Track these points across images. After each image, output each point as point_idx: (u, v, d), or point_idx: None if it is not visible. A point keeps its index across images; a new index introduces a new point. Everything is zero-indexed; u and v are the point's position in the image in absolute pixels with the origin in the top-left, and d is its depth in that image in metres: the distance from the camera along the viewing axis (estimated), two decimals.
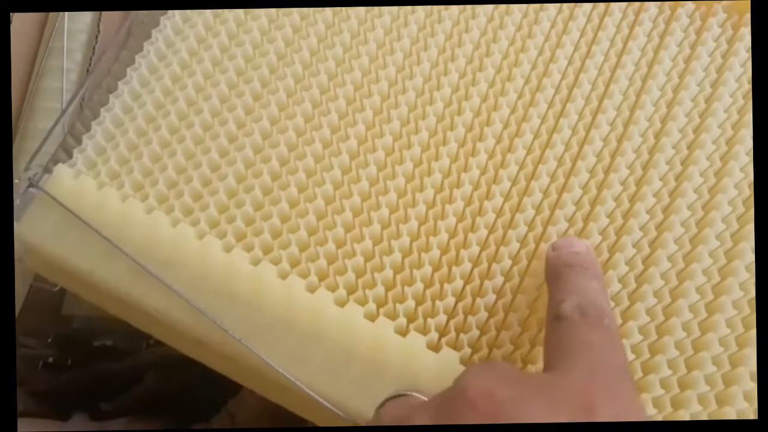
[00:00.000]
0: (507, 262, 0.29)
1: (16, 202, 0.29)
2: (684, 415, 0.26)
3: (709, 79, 0.32)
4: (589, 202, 0.30)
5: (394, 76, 0.32)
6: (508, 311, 0.28)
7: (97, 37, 0.41)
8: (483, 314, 0.28)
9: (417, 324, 0.28)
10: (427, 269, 0.29)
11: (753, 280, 0.28)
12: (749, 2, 0.33)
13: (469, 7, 0.33)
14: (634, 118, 0.31)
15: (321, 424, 0.29)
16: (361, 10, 0.33)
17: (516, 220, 0.29)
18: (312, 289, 0.28)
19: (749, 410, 0.26)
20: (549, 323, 0.25)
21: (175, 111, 0.31)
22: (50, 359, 0.43)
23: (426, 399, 0.25)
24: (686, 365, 0.27)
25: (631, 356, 0.27)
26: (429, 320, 0.28)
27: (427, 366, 0.27)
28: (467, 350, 0.27)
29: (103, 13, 0.41)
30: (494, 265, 0.29)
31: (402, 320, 0.28)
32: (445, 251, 0.29)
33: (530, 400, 0.21)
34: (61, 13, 0.40)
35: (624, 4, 0.34)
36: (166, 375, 0.43)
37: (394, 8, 0.33)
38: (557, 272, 0.26)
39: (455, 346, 0.28)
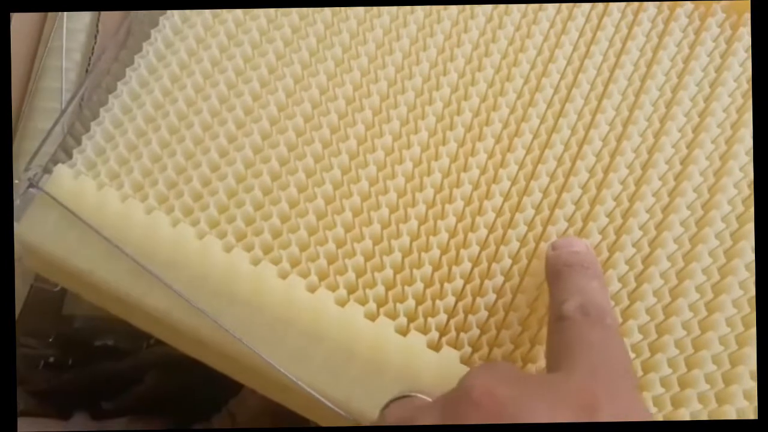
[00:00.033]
0: (507, 262, 0.29)
1: (16, 202, 0.29)
2: (684, 414, 0.26)
3: (708, 79, 0.32)
4: (588, 201, 0.30)
5: (393, 76, 0.32)
6: (508, 310, 0.28)
7: (96, 36, 0.41)
8: (483, 313, 0.28)
9: (417, 323, 0.28)
10: (428, 269, 0.29)
11: (752, 279, 0.28)
12: (748, 2, 0.33)
13: (468, 7, 0.33)
14: (633, 118, 0.31)
15: (322, 423, 0.29)
16: (360, 10, 0.33)
17: (516, 220, 0.29)
18: (312, 289, 0.28)
19: (749, 409, 0.26)
20: (551, 323, 0.25)
21: (174, 111, 0.31)
22: (51, 359, 0.43)
23: (430, 400, 0.25)
24: (686, 364, 0.27)
25: (631, 355, 0.27)
26: (429, 319, 0.28)
27: (427, 365, 0.27)
28: (467, 349, 0.27)
29: (102, 13, 0.41)
30: (494, 265, 0.29)
31: (402, 320, 0.28)
32: (445, 251, 0.29)
33: (534, 400, 0.21)
34: (60, 12, 0.40)
35: (622, 4, 0.34)
36: (167, 374, 0.43)
37: (393, 8, 0.33)
38: (557, 272, 0.26)
39: (456, 345, 0.28)
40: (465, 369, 0.27)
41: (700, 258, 0.28)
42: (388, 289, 0.28)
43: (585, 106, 0.32)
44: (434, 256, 0.29)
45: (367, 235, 0.29)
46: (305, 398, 0.27)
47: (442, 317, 0.28)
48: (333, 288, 0.28)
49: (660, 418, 0.26)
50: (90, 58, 0.40)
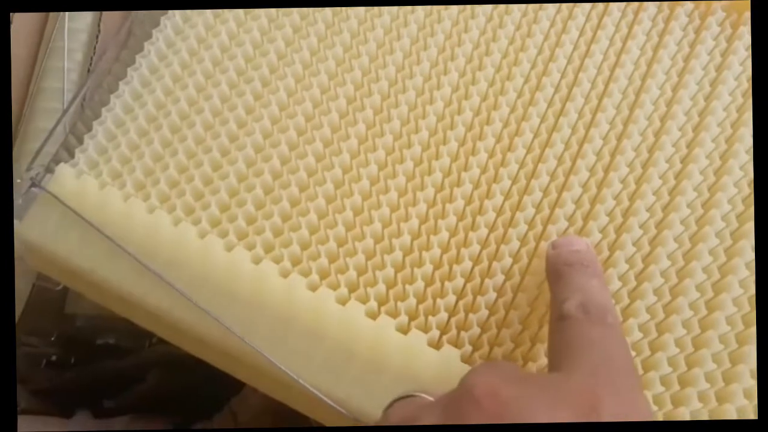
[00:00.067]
0: (507, 261, 0.29)
1: (19, 201, 0.29)
2: (684, 413, 0.26)
3: (709, 77, 0.32)
4: (588, 200, 0.30)
5: (394, 76, 0.32)
6: (509, 309, 0.28)
7: (97, 36, 0.41)
8: (484, 312, 0.28)
9: (418, 322, 0.28)
10: (428, 267, 0.29)
11: (753, 278, 0.28)
12: (748, 1, 0.33)
13: (468, 6, 0.33)
14: (634, 117, 0.31)
15: (323, 421, 0.29)
16: (361, 9, 0.33)
17: (516, 219, 0.29)
18: (313, 288, 0.28)
19: (749, 407, 0.26)
20: (552, 322, 0.25)
21: (176, 111, 0.31)
22: (53, 358, 0.43)
23: (433, 400, 0.25)
24: (686, 362, 0.27)
25: (631, 353, 0.27)
26: (430, 318, 0.28)
27: (428, 364, 0.27)
28: (468, 348, 0.28)
29: (104, 13, 0.41)
30: (495, 264, 0.29)
31: (403, 318, 0.28)
32: (445, 250, 0.29)
33: (535, 399, 0.21)
34: (61, 13, 0.40)
35: (623, 3, 0.34)
36: (169, 373, 0.43)
37: (394, 8, 0.33)
38: (558, 271, 0.26)
39: (456, 343, 0.28)
40: (466, 367, 0.27)
41: (701, 257, 0.28)
42: (389, 287, 0.29)
43: (585, 105, 0.32)
44: (435, 255, 0.29)
45: (368, 234, 0.29)
46: (306, 397, 0.27)
47: (443, 316, 0.28)
48: (334, 287, 0.28)
49: (660, 416, 0.26)
50: (91, 58, 0.40)
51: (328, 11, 0.33)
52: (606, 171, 0.30)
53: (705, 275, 0.28)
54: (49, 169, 0.30)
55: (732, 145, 0.30)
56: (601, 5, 0.34)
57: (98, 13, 0.40)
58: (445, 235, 0.29)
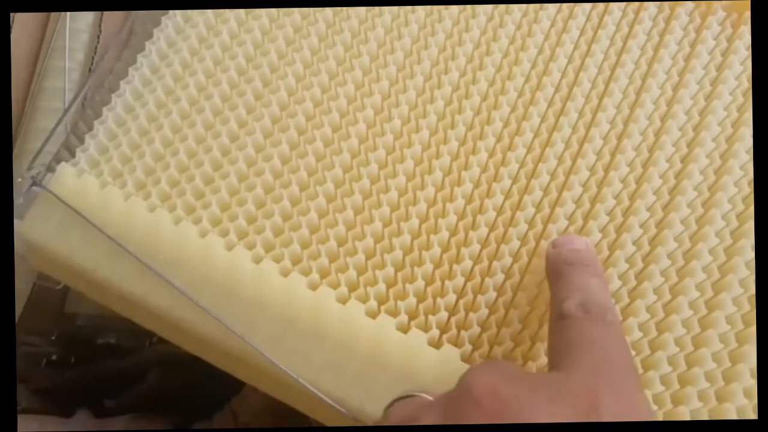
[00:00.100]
0: (507, 260, 0.29)
1: (19, 200, 0.29)
2: (684, 412, 0.26)
3: (709, 77, 0.32)
4: (589, 200, 0.30)
5: (394, 75, 0.32)
6: (509, 308, 0.28)
7: (98, 36, 0.41)
8: (484, 311, 0.28)
9: (418, 321, 0.28)
10: (428, 267, 0.29)
11: (753, 277, 0.28)
12: (749, 1, 0.33)
13: (469, 6, 0.33)
14: (634, 117, 0.31)
15: (323, 421, 0.29)
16: (362, 9, 0.33)
17: (516, 218, 0.29)
18: (314, 287, 0.28)
19: (749, 407, 0.26)
20: (552, 321, 0.25)
21: (177, 110, 0.31)
22: (54, 357, 0.43)
23: (432, 399, 0.25)
24: (686, 362, 0.27)
25: (631, 352, 0.27)
26: (430, 317, 0.28)
27: (428, 363, 0.27)
28: (468, 347, 0.28)
29: (105, 12, 0.41)
30: (495, 263, 0.29)
31: (403, 317, 0.28)
32: (446, 249, 0.29)
33: (535, 398, 0.21)
34: (62, 12, 0.40)
35: (623, 3, 0.34)
36: (170, 372, 0.43)
37: (395, 7, 0.33)
38: (558, 270, 0.26)
39: (456, 342, 0.28)
40: (466, 367, 0.27)
41: (700, 256, 0.28)
42: (389, 287, 0.29)
43: (586, 105, 0.32)
44: (435, 254, 0.29)
45: (369, 234, 0.29)
46: (306, 396, 0.27)
47: (443, 315, 0.28)
48: (334, 286, 0.28)
49: (660, 415, 0.26)
50: (93, 58, 0.40)
51: (329, 10, 0.33)
52: (606, 170, 0.30)
53: (705, 274, 0.28)
54: (50, 169, 0.30)
55: (732, 145, 0.30)
56: (601, 5, 0.34)
57: (99, 13, 0.41)
58: (445, 234, 0.29)
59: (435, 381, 0.26)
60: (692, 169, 0.30)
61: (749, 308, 0.27)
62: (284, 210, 0.29)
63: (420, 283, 0.28)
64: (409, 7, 0.33)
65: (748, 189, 0.30)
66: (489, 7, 0.33)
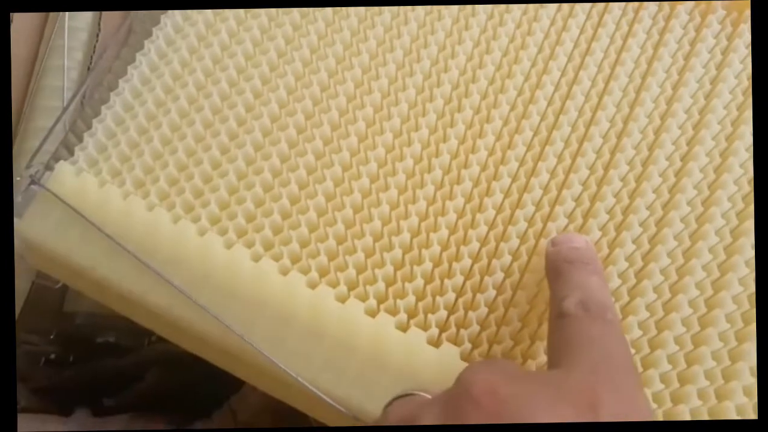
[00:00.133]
0: (507, 258, 0.29)
1: (18, 199, 0.29)
2: (684, 410, 0.26)
3: (709, 75, 0.32)
4: (588, 198, 0.30)
5: (394, 74, 0.32)
6: (508, 307, 0.28)
7: (97, 35, 0.41)
8: (483, 310, 0.28)
9: (417, 320, 0.28)
10: (428, 265, 0.29)
11: (752, 276, 0.28)
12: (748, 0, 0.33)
13: (469, 4, 0.33)
14: (634, 115, 0.31)
15: (323, 419, 0.29)
16: (361, 8, 0.33)
17: (516, 217, 0.29)
18: (313, 285, 0.28)
19: (749, 405, 0.26)
20: (551, 320, 0.25)
21: (176, 109, 0.31)
22: (52, 356, 0.43)
23: (431, 398, 0.25)
24: (686, 360, 0.27)
25: (631, 351, 0.27)
26: (429, 316, 0.28)
27: (427, 361, 0.27)
28: (467, 345, 0.28)
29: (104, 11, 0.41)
30: (494, 261, 0.29)
31: (402, 316, 0.28)
32: (445, 247, 0.29)
33: (534, 397, 0.21)
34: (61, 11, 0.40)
35: (623, 2, 0.34)
36: (168, 371, 0.43)
37: (394, 6, 0.33)
38: (557, 268, 0.26)
39: (456, 341, 0.28)
40: (465, 365, 0.27)
41: (700, 254, 0.28)
42: (388, 285, 0.28)
43: (586, 103, 0.32)
44: (434, 253, 0.29)
45: (368, 232, 0.29)
46: (306, 395, 0.27)
47: (442, 313, 0.28)
48: (333, 284, 0.28)
49: (660, 414, 0.26)
50: (91, 57, 0.40)
51: (328, 9, 0.33)
52: (606, 169, 0.30)
53: (704, 273, 0.28)
54: (48, 167, 0.30)
55: (732, 143, 0.30)
56: (601, 3, 0.34)
57: (98, 11, 0.40)
58: (444, 232, 0.29)
59: (434, 379, 0.26)
60: (692, 168, 0.30)
61: (749, 306, 0.27)
62: (283, 208, 0.29)
63: (419, 281, 0.28)
64: (409, 6, 0.33)
65: (748, 187, 0.30)
66: (489, 5, 0.33)
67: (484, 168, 0.30)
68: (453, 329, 0.28)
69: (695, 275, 0.28)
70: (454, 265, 0.29)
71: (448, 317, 0.28)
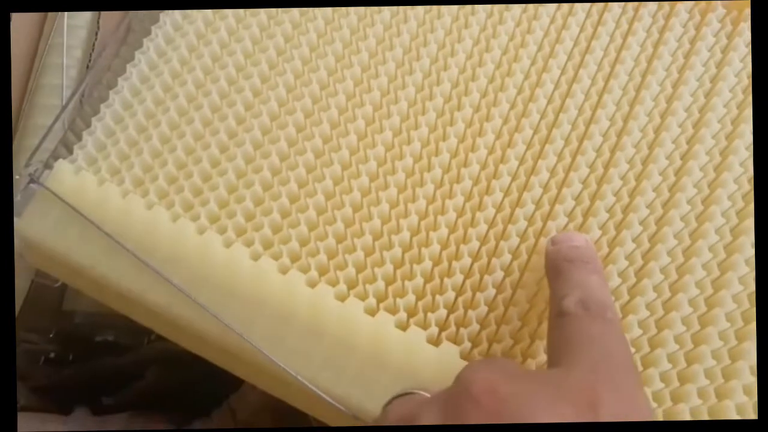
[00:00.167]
0: (507, 257, 0.29)
1: (17, 198, 0.29)
2: (684, 409, 0.26)
3: (709, 74, 0.32)
4: (588, 197, 0.30)
5: (393, 72, 0.32)
6: (508, 306, 0.28)
7: (96, 33, 0.41)
8: (483, 309, 0.28)
9: (417, 318, 0.28)
10: (427, 264, 0.29)
11: (752, 275, 0.28)
12: None
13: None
14: (634, 114, 0.31)
15: (322, 418, 0.29)
16: (361, 6, 0.33)
17: (516, 215, 0.29)
18: (312, 284, 0.28)
19: (748, 404, 0.26)
20: (551, 319, 0.25)
21: (174, 107, 0.31)
22: (52, 355, 0.43)
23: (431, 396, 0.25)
24: (686, 359, 0.27)
25: (631, 350, 0.27)
26: (429, 315, 0.28)
27: (427, 360, 0.27)
28: (467, 344, 0.28)
29: None
30: (494, 260, 0.29)
31: (402, 315, 0.28)
32: (445, 246, 0.29)
33: (534, 396, 0.21)
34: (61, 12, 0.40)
35: (623, 2, 0.34)
36: (168, 370, 0.43)
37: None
38: (557, 267, 0.26)
39: (455, 340, 0.28)
40: (465, 364, 0.27)
41: (700, 253, 0.28)
42: (388, 284, 0.28)
43: (586, 102, 0.32)
44: (434, 252, 0.29)
45: (367, 231, 0.29)
46: (305, 393, 0.27)
47: (442, 312, 0.28)
48: (333, 283, 0.28)
49: (660, 413, 0.26)
50: (90, 55, 0.40)
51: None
52: (606, 167, 0.30)
53: (705, 272, 0.28)
54: (47, 166, 0.30)
55: (732, 142, 0.30)
56: (601, 2, 0.34)
57: None
58: (444, 231, 0.29)
59: (434, 378, 0.26)
60: (692, 166, 0.30)
61: (749, 305, 0.27)
62: (283, 207, 0.29)
63: (419, 280, 0.28)
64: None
65: (748, 186, 0.30)
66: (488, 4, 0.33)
67: (483, 166, 0.30)
68: (453, 328, 0.28)
69: (695, 274, 0.28)
70: (454, 263, 0.29)
71: (447, 316, 0.28)
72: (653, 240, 0.29)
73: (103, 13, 0.41)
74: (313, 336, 0.27)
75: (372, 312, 0.28)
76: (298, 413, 0.30)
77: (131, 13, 0.34)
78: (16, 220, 0.29)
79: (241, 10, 0.33)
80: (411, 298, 0.28)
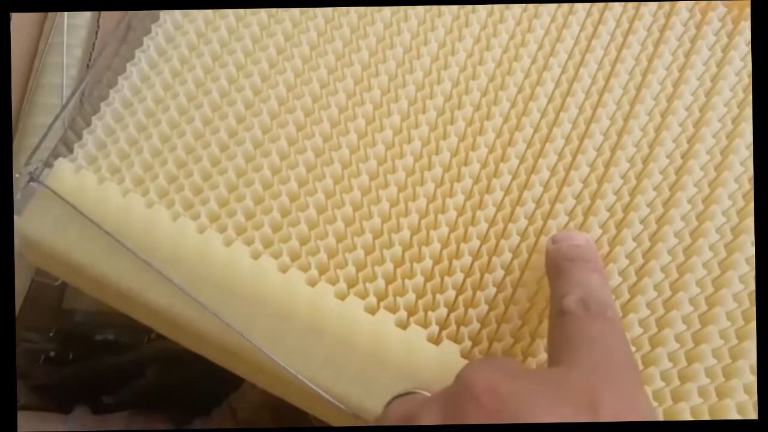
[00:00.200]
0: (507, 256, 0.29)
1: (17, 196, 0.29)
2: (684, 408, 0.26)
3: (709, 73, 0.32)
4: (589, 195, 0.30)
5: (394, 71, 0.32)
6: (509, 304, 0.28)
7: (96, 32, 0.41)
8: (483, 307, 0.28)
9: (417, 317, 0.28)
10: (428, 262, 0.29)
11: (753, 273, 0.28)
12: None
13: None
14: (634, 112, 0.31)
15: (322, 417, 0.29)
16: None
17: (516, 214, 0.29)
18: (312, 283, 0.28)
19: (749, 403, 0.26)
20: (552, 318, 0.25)
21: (175, 106, 0.31)
22: (52, 353, 0.43)
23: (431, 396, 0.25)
24: (686, 358, 0.27)
25: (631, 349, 0.27)
26: (429, 313, 0.28)
27: (427, 359, 0.27)
28: (468, 343, 0.28)
29: None
30: (494, 259, 0.29)
31: (402, 313, 0.28)
32: (445, 245, 0.29)
33: (535, 395, 0.21)
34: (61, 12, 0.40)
35: (624, 1, 0.34)
36: (168, 369, 0.43)
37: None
38: (558, 266, 0.26)
39: (456, 339, 0.28)
40: (465, 363, 0.27)
41: (701, 252, 0.28)
42: (388, 282, 0.28)
43: (586, 101, 0.32)
44: (435, 250, 0.29)
45: (368, 229, 0.29)
46: (305, 392, 0.27)
47: (443, 311, 0.28)
48: (333, 282, 0.28)
49: (660, 412, 0.26)
50: (91, 54, 0.40)
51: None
52: (606, 166, 0.30)
53: (705, 271, 0.28)
54: (47, 164, 0.30)
55: (733, 141, 0.30)
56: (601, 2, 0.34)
57: None
58: (444, 230, 0.29)
59: (434, 377, 0.26)
60: (693, 165, 0.30)
61: (749, 304, 0.27)
62: (283, 206, 0.29)
63: (419, 279, 0.28)
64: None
65: (749, 185, 0.30)
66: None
67: (484, 165, 0.30)
68: (453, 327, 0.28)
69: (696, 273, 0.28)
70: (454, 262, 0.29)
71: (448, 315, 0.28)
72: (654, 239, 0.29)
73: (103, 12, 0.41)
74: (314, 335, 0.27)
75: (372, 311, 0.28)
76: (298, 412, 0.30)
77: (131, 11, 0.34)
78: (16, 218, 0.29)
79: (241, 10, 0.33)
80: (411, 296, 0.28)
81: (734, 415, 0.26)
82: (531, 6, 0.33)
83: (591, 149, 0.30)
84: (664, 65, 0.32)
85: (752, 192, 0.29)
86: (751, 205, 0.29)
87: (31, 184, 0.29)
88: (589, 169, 0.30)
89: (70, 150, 0.30)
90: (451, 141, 0.31)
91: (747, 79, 0.32)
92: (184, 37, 0.32)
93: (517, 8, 0.33)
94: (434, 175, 0.30)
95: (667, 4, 0.34)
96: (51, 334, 0.41)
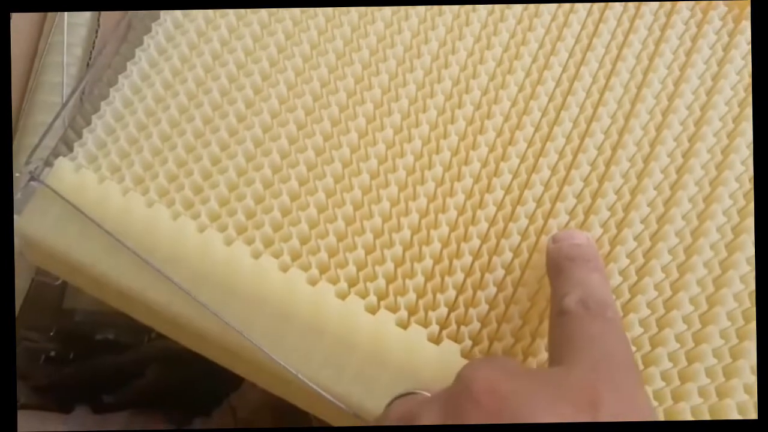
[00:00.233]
0: (508, 255, 0.29)
1: (18, 195, 0.29)
2: (684, 408, 0.26)
3: (710, 71, 0.32)
4: (590, 194, 0.30)
5: (394, 70, 0.32)
6: (509, 304, 0.28)
7: (97, 31, 0.41)
8: (484, 307, 0.28)
9: (418, 317, 0.28)
10: (428, 262, 0.29)
11: (753, 273, 0.28)
12: None
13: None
14: (635, 111, 0.31)
15: (322, 416, 0.29)
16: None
17: (517, 213, 0.29)
18: (313, 282, 0.28)
19: (749, 403, 0.26)
20: (552, 317, 0.25)
21: (175, 105, 0.31)
22: (52, 353, 0.43)
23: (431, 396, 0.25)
24: (687, 358, 0.27)
25: (632, 349, 0.27)
26: (430, 313, 0.28)
27: (428, 359, 0.27)
28: (468, 343, 0.27)
29: None
30: (495, 258, 0.29)
31: (403, 313, 0.28)
32: (446, 244, 0.29)
33: (535, 395, 0.21)
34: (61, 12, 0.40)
35: (624, 1, 0.34)
36: (168, 368, 0.43)
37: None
38: (558, 265, 0.26)
39: (456, 338, 0.28)
40: (465, 362, 0.27)
41: (702, 251, 0.28)
42: (388, 282, 0.28)
43: (587, 99, 0.32)
44: (435, 250, 0.29)
45: (368, 229, 0.29)
46: (306, 392, 0.27)
47: (443, 311, 0.28)
48: (334, 281, 0.28)
49: (661, 411, 0.26)
50: (91, 53, 0.40)
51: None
52: (607, 165, 0.30)
53: (706, 270, 0.28)
54: (47, 163, 0.30)
55: (734, 140, 0.30)
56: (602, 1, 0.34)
57: None
58: (445, 229, 0.29)
59: (435, 376, 0.26)
60: (693, 164, 0.30)
61: (750, 304, 0.27)
62: (283, 205, 0.29)
63: (420, 278, 0.28)
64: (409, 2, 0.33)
65: (750, 184, 0.29)
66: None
67: (485, 164, 0.30)
68: (453, 326, 0.28)
69: (696, 272, 0.28)
70: (455, 262, 0.29)
71: (448, 314, 0.28)
72: (654, 238, 0.29)
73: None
74: (314, 334, 0.27)
75: (373, 310, 0.28)
76: (298, 411, 0.30)
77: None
78: (16, 217, 0.29)
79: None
80: (412, 296, 0.28)
81: (735, 415, 0.26)
82: (532, 5, 0.33)
83: (592, 148, 0.30)
84: (665, 64, 0.32)
85: (753, 191, 0.29)
86: (752, 205, 0.29)
87: (32, 183, 0.29)
88: (590, 168, 0.30)
89: (71, 149, 0.30)
90: (451, 140, 0.30)
91: (748, 78, 0.32)
92: (184, 36, 0.32)
93: (517, 7, 0.33)
94: (435, 174, 0.30)
95: (668, 3, 0.34)
96: (51, 334, 0.41)
